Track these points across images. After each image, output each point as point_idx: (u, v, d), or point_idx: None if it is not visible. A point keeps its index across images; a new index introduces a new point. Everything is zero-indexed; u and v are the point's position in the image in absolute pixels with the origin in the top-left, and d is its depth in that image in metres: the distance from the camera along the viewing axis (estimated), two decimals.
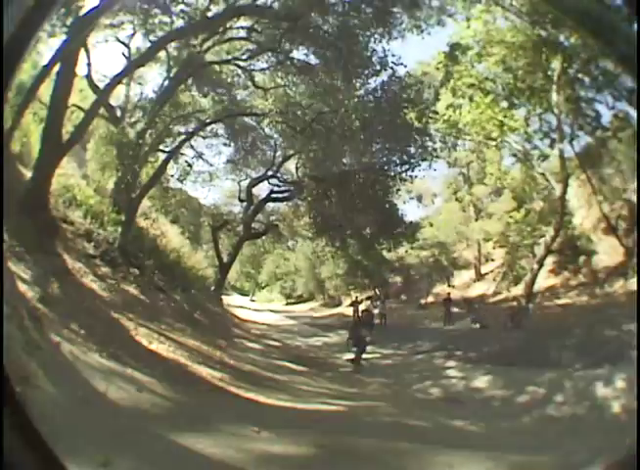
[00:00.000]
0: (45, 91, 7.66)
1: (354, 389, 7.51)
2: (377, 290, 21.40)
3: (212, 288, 15.59)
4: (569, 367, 8.55)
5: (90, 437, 1.35)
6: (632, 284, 14.12)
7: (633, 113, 14.67)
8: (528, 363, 9.18)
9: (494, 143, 15.38)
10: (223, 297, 16.64)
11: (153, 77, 14.28)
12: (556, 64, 14.02)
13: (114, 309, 5.69)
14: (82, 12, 7.94)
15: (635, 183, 14.65)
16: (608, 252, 16.14)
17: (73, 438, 1.45)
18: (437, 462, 2.61)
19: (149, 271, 9.25)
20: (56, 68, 7.18)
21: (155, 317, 6.90)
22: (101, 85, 11.07)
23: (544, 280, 16.22)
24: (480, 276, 21.43)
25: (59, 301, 4.30)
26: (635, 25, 1.06)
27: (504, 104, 14.91)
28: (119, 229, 9.18)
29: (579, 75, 14.67)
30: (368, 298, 19.97)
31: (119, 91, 13.30)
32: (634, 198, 15.96)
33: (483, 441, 3.80)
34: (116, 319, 5.30)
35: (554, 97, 14.25)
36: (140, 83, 14.70)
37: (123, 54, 12.95)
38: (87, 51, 11.16)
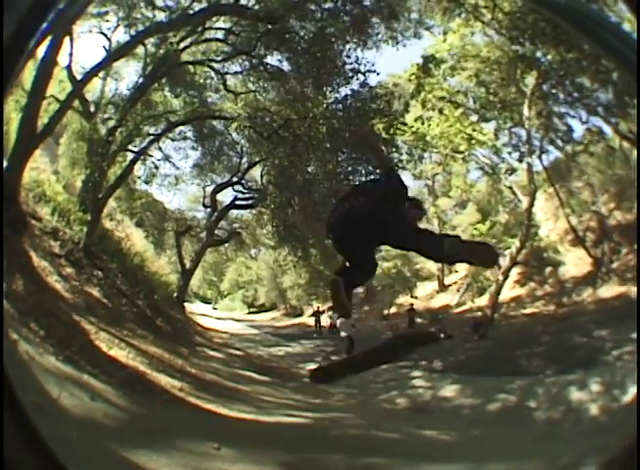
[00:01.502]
0: (28, 78, 7.41)
1: (318, 399, 7.38)
2: None
3: (175, 294, 15.36)
4: (539, 374, 8.67)
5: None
6: (601, 292, 14.55)
7: (606, 128, 15.13)
8: (496, 372, 9.24)
9: (461, 156, 15.55)
10: (186, 304, 16.37)
11: (129, 73, 14.08)
12: (530, 79, 14.29)
13: (76, 312, 5.52)
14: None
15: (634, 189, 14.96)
16: (575, 262, 16.53)
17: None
18: None
19: (112, 274, 9.09)
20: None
21: (116, 322, 6.72)
22: (79, 77, 10.90)
23: (509, 291, 16.47)
24: (443, 287, 21.67)
25: (21, 298, 4.15)
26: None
27: (474, 117, 15.12)
28: (85, 229, 8.98)
29: (554, 91, 15.00)
30: (330, 308, 19.96)
31: (95, 86, 13.11)
32: (603, 209, 16.48)
33: (458, 451, 3.74)
34: (77, 322, 5.13)
35: (525, 111, 14.47)
36: (116, 79, 14.45)
37: (104, 47, 12.74)
38: (72, 40, 10.94)
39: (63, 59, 10.16)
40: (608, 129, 15.26)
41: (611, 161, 16.00)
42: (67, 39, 9.74)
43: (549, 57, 13.64)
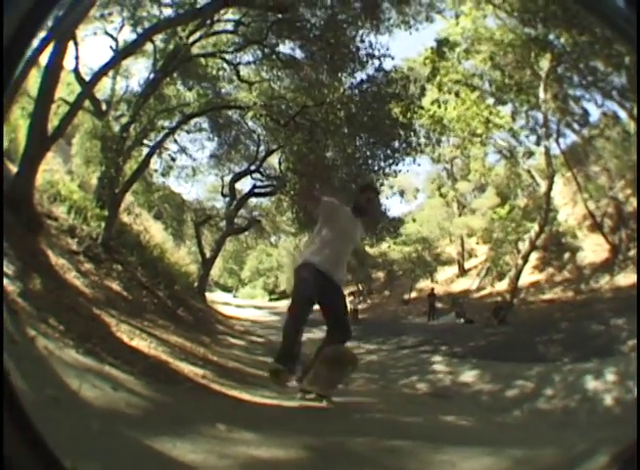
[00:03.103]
0: (34, 85, 7.48)
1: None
2: (360, 285, 21.35)
3: (196, 284, 15.47)
4: (556, 361, 8.51)
5: (57, 441, 1.26)
6: (618, 280, 14.40)
7: (621, 112, 14.84)
8: (515, 358, 9.12)
9: (479, 139, 15.46)
10: (206, 293, 16.48)
11: (139, 70, 14.21)
12: (545, 62, 14.12)
13: (97, 306, 5.58)
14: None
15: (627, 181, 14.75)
16: (593, 248, 16.42)
17: None
18: (438, 461, 2.45)
19: (132, 267, 9.15)
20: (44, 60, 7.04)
21: (137, 314, 6.80)
22: (88, 79, 10.82)
23: (528, 276, 16.47)
24: (463, 272, 21.62)
25: (39, 296, 4.17)
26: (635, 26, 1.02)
27: (490, 100, 14.99)
28: (103, 225, 9.03)
29: (568, 74, 14.80)
30: (351, 293, 19.98)
31: (106, 85, 13.29)
32: (620, 196, 16.20)
33: (477, 436, 3.63)
34: (98, 315, 5.17)
35: (541, 94, 14.39)
36: (126, 77, 14.63)
37: (111, 47, 12.82)
38: (76, 44, 10.98)
39: (69, 63, 10.22)
40: (623, 114, 15.05)
41: (627, 146, 15.74)
42: (71, 43, 9.74)
43: (562, 40, 13.48)
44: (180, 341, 6.62)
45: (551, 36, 13.73)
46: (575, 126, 15.68)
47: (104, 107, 12.40)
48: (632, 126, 15.12)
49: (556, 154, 15.75)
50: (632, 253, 15.04)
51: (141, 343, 5.03)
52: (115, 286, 7.54)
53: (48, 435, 1.08)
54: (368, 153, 14.76)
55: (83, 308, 4.96)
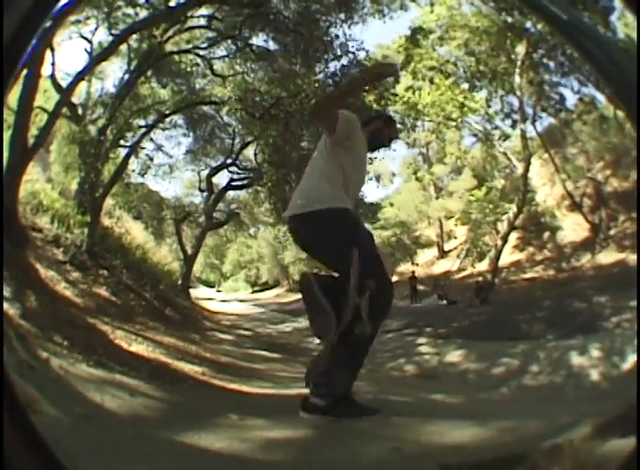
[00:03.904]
0: (13, 95, 7.48)
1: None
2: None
3: (179, 282, 15.67)
4: (540, 338, 8.85)
5: (99, 453, 1.50)
6: (600, 258, 14.87)
7: (600, 97, 15.16)
8: (499, 337, 9.48)
9: (454, 123, 15.73)
10: (190, 290, 16.70)
11: (113, 71, 14.11)
12: (520, 48, 14.30)
13: (90, 315, 5.74)
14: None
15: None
16: (573, 228, 16.85)
17: (84, 457, 1.60)
18: (428, 431, 2.64)
19: (117, 271, 9.26)
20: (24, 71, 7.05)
21: (128, 318, 6.96)
22: (64, 84, 10.96)
23: (509, 256, 16.86)
24: (443, 254, 22.05)
25: (38, 314, 4.29)
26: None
27: (465, 86, 15.20)
28: (86, 231, 9.10)
29: (544, 60, 15.01)
30: None
31: (81, 88, 13.11)
32: (599, 176, 16.66)
33: (466, 411, 3.86)
34: (93, 325, 5.35)
35: (517, 80, 14.64)
36: (101, 78, 14.60)
37: (86, 50, 12.85)
38: (52, 50, 10.97)
39: (46, 69, 10.29)
40: (601, 97, 15.32)
41: (605, 128, 16.16)
42: (48, 50, 9.73)
43: (539, 27, 13.67)
44: (173, 341, 6.80)
45: (528, 24, 13.93)
46: (552, 111, 15.93)
47: (80, 111, 12.46)
48: (611, 110, 15.40)
49: (532, 136, 16.05)
50: (613, 232, 15.51)
51: (139, 347, 5.24)
52: (104, 292, 7.66)
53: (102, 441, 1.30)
54: None
55: (79, 319, 5.12)
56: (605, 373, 6.51)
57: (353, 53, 13.74)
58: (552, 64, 15.16)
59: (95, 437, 1.91)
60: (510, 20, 14.05)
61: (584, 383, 6.43)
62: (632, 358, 6.33)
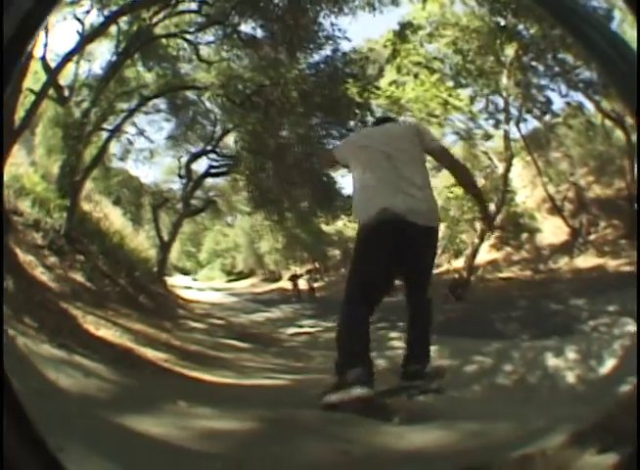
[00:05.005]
0: None
1: (300, 363, 7.68)
2: (316, 263, 21.86)
3: (155, 269, 15.80)
4: (515, 338, 8.84)
5: (45, 427, 1.68)
6: (578, 262, 14.94)
7: (589, 104, 15.40)
8: (474, 334, 9.52)
9: (437, 120, 15.83)
10: (166, 278, 16.83)
11: (102, 54, 14.08)
12: (510, 50, 14.42)
13: (64, 300, 6.03)
14: None
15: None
16: (552, 231, 16.88)
17: None
18: (386, 432, 2.58)
19: (93, 257, 9.49)
20: None
21: (101, 304, 7.28)
22: (53, 65, 11.09)
23: (486, 254, 16.97)
24: None
25: (13, 296, 4.54)
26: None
27: (450, 83, 15.36)
28: (65, 215, 9.27)
29: (534, 63, 15.12)
30: (307, 271, 20.53)
31: (69, 70, 13.10)
32: (582, 182, 16.91)
33: (431, 410, 3.66)
34: (66, 309, 5.63)
35: (504, 80, 14.77)
36: (89, 60, 14.46)
37: (77, 31, 12.79)
38: (46, 31, 10.95)
39: (38, 51, 10.36)
40: (589, 105, 15.51)
41: (591, 135, 16.40)
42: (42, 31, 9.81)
43: (531, 31, 13.92)
44: (143, 328, 7.12)
45: (520, 27, 14.00)
46: (537, 112, 16.09)
47: (66, 93, 12.43)
48: (599, 118, 15.64)
49: (516, 138, 16.09)
50: (593, 237, 15.60)
51: (107, 332, 5.58)
52: (79, 278, 7.95)
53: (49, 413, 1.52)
54: (323, 132, 15.39)
55: (52, 304, 5.43)
56: (581, 377, 6.55)
57: (337, 43, 14.22)
58: (541, 67, 15.14)
59: (41, 410, 2.11)
60: (502, 21, 14.13)
61: (559, 385, 6.47)
62: (610, 363, 6.45)
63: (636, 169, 13.63)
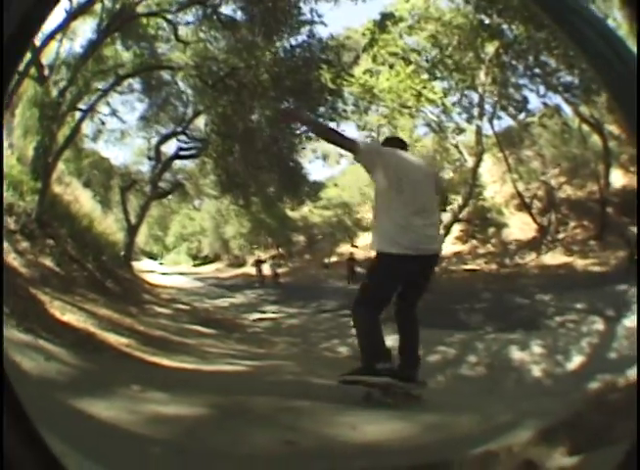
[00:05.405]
0: None
1: (261, 349, 7.69)
2: (280, 249, 22.13)
3: (122, 253, 15.92)
4: (479, 330, 8.94)
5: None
6: (545, 259, 15.42)
7: (566, 107, 15.73)
8: (437, 324, 8.82)
9: (409, 111, 16.09)
10: (133, 262, 16.99)
11: (84, 32, 14.00)
12: (491, 48, 14.71)
13: (32, 285, 6.18)
14: None
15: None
16: (520, 227, 17.46)
17: None
18: (338, 422, 2.57)
19: (62, 241, 9.57)
20: None
21: (69, 289, 7.45)
22: (38, 43, 10.97)
23: (451, 245, 17.36)
24: None
25: None
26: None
27: (425, 76, 15.58)
28: (36, 198, 9.32)
29: (514, 62, 15.40)
30: (271, 256, 20.89)
31: (52, 49, 13.08)
32: (553, 182, 17.34)
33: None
34: (34, 294, 5.79)
35: (481, 76, 15.07)
36: (71, 39, 14.49)
37: (65, 10, 12.75)
38: None
39: None
40: (567, 108, 15.96)
41: (567, 138, 16.93)
42: None
43: (516, 32, 14.14)
44: (108, 313, 7.24)
45: (504, 26, 14.23)
46: (512, 110, 16.37)
47: (46, 72, 12.35)
48: (576, 122, 16.18)
49: (488, 134, 16.47)
50: (561, 236, 16.12)
51: (72, 317, 5.72)
52: (48, 262, 8.04)
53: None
54: None
55: (22, 289, 5.59)
56: (547, 371, 6.61)
57: (313, 28, 14.45)
58: (521, 67, 15.42)
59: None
60: (487, 20, 14.35)
61: (525, 379, 6.52)
62: (577, 360, 6.66)
63: (636, 170, 14.05)
